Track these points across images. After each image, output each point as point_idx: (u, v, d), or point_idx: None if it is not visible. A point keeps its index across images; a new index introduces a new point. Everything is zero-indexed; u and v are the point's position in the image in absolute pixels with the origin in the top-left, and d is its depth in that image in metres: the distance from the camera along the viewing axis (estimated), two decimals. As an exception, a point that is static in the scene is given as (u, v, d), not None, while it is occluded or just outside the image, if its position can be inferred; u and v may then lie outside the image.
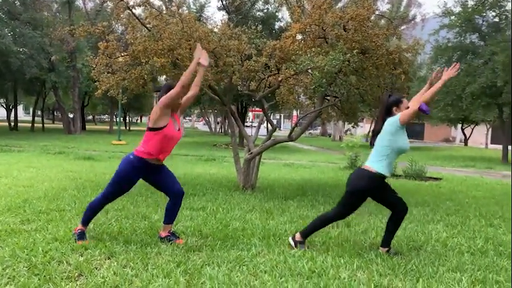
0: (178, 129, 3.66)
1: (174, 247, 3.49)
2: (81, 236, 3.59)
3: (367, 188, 3.51)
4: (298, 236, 3.72)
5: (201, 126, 62.73)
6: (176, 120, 3.67)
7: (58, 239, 3.57)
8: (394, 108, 3.56)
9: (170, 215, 3.74)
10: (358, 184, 3.53)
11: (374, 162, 3.52)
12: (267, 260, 3.32)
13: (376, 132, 3.63)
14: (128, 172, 3.52)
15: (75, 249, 3.36)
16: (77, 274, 2.89)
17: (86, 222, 3.67)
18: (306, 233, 3.72)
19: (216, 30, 6.85)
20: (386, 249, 3.65)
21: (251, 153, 6.83)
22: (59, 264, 3.04)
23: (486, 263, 3.47)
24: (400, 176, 9.96)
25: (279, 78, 6.20)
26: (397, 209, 3.67)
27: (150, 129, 3.51)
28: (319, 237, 4.06)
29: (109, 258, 3.22)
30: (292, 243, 3.72)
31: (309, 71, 6.02)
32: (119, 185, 3.57)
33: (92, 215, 3.68)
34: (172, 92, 3.45)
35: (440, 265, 3.38)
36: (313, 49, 5.91)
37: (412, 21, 32.58)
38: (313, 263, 3.26)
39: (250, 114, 37.55)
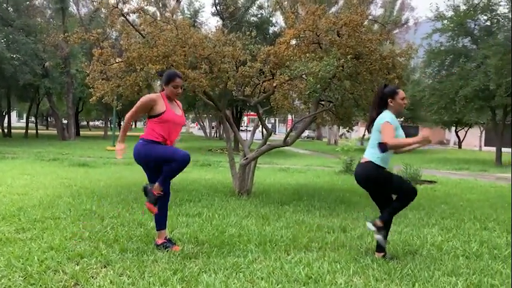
0: (180, 115, 3.72)
1: (170, 254, 3.49)
2: (156, 200, 3.56)
3: (376, 173, 3.53)
4: (379, 223, 3.61)
5: (196, 131, 62.66)
6: (177, 105, 3.74)
7: (54, 247, 3.55)
8: (390, 100, 3.57)
9: (159, 220, 3.74)
10: (370, 175, 3.55)
11: (370, 155, 3.57)
12: (264, 266, 3.32)
13: (371, 120, 3.65)
14: (150, 145, 3.51)
15: (71, 258, 3.34)
16: (73, 283, 2.88)
17: (164, 183, 3.59)
18: (385, 218, 3.64)
19: (210, 35, 6.88)
20: (382, 254, 3.67)
21: (246, 158, 6.84)
22: (54, 274, 3.03)
23: (481, 267, 3.49)
24: (395, 179, 9.98)
25: (274, 84, 6.23)
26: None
27: (150, 116, 3.58)
28: (316, 242, 4.07)
29: (105, 267, 3.21)
30: (373, 228, 3.60)
31: (303, 76, 6.05)
32: (163, 148, 3.51)
33: (170, 179, 3.64)
34: (134, 109, 3.56)
35: (435, 269, 3.40)
36: (307, 54, 5.95)
37: (405, 25, 32.85)
38: (309, 269, 3.27)
39: (245, 118, 37.59)
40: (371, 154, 3.56)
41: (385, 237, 3.72)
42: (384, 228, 3.61)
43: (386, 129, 3.39)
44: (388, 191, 3.69)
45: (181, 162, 3.48)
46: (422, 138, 3.29)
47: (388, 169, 3.65)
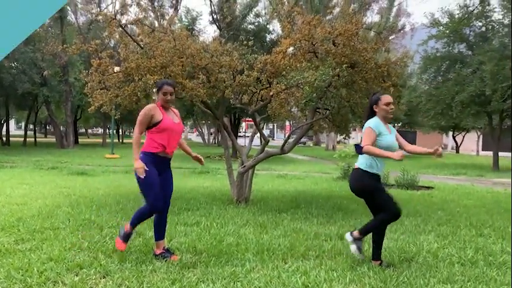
0: (178, 123, 3.78)
1: (168, 264, 3.52)
2: (127, 238, 3.71)
3: (367, 183, 3.61)
4: (356, 234, 3.74)
5: (194, 137, 62.68)
6: (175, 114, 3.82)
7: (53, 258, 3.59)
8: (374, 106, 3.71)
9: (158, 230, 3.80)
10: (360, 184, 3.66)
11: (360, 162, 3.69)
12: (261, 275, 3.36)
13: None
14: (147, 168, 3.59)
15: (70, 268, 3.38)
16: (72, 294, 2.91)
17: (134, 225, 3.73)
18: (363, 232, 3.75)
19: (207, 44, 6.95)
20: (379, 262, 3.71)
21: (244, 166, 6.88)
22: (54, 285, 3.06)
23: (476, 274, 3.54)
24: (392, 185, 10.05)
25: (271, 93, 6.29)
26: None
27: (148, 127, 3.67)
28: (313, 250, 4.11)
29: (104, 277, 3.25)
30: (350, 238, 3.75)
31: (300, 85, 6.12)
32: (150, 184, 3.59)
33: (139, 222, 3.74)
34: (138, 122, 3.66)
35: (431, 277, 3.44)
36: (303, 64, 6.02)
37: (402, 31, 33.04)
38: (306, 278, 3.31)
39: (243, 124, 37.70)
40: (360, 161, 3.68)
41: (380, 245, 3.76)
42: (360, 240, 3.73)
43: (366, 133, 3.58)
44: (375, 203, 3.72)
45: (149, 210, 3.65)
46: (397, 156, 3.37)
47: (380, 174, 3.69)
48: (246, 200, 6.87)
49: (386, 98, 3.69)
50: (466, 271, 3.61)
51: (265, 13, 21.09)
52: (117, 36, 6.45)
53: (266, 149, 7.24)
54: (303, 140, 47.14)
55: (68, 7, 25.56)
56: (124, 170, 12.49)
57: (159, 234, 3.79)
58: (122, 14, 6.26)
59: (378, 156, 3.52)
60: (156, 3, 23.03)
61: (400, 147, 3.76)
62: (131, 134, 66.56)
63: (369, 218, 5.26)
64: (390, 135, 3.66)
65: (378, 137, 3.57)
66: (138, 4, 6.58)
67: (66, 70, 24.50)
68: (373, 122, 3.62)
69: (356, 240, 3.74)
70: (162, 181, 3.73)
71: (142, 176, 3.52)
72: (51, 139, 36.71)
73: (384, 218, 3.68)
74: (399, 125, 29.83)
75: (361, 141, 3.75)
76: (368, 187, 3.64)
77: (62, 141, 26.60)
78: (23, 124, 40.43)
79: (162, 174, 3.72)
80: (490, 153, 20.92)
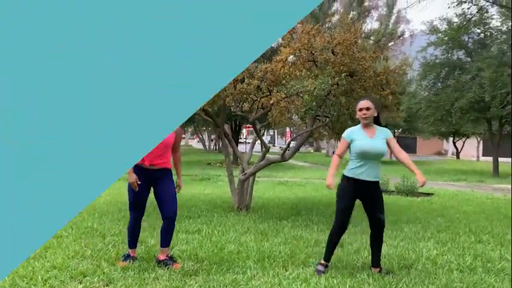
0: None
1: (171, 272, 3.57)
2: (126, 257, 3.87)
3: (340, 188, 3.74)
4: (323, 262, 3.83)
5: (195, 143, 62.77)
6: None
7: (57, 266, 3.64)
8: (355, 113, 3.82)
9: (164, 238, 3.86)
10: (338, 186, 3.79)
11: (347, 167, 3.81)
12: (262, 282, 3.40)
13: None
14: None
15: (74, 276, 3.43)
16: (76, 302, 2.96)
17: (130, 244, 3.94)
18: (325, 257, 3.87)
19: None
20: (378, 269, 3.76)
21: (245, 173, 6.94)
22: (58, 293, 3.11)
23: (474, 281, 3.58)
24: (392, 191, 10.10)
25: (271, 101, 6.36)
26: (371, 224, 3.84)
27: None
28: (313, 258, 4.15)
29: (107, 285, 3.30)
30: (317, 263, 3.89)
31: (300, 94, 6.19)
32: (132, 195, 3.82)
33: (132, 236, 3.92)
34: None
35: (430, 283, 3.48)
36: (303, 72, 6.10)
37: (401, 38, 33.21)
38: (307, 285, 3.36)
39: (244, 130, 37.78)
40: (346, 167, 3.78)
41: (379, 252, 3.82)
42: (326, 266, 3.79)
43: (340, 142, 3.80)
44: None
45: (132, 218, 3.91)
46: (326, 183, 3.64)
47: (364, 179, 3.65)
48: (246, 207, 6.92)
49: (359, 103, 3.73)
50: (464, 278, 3.65)
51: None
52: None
53: (267, 155, 7.31)
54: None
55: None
56: (125, 178, 12.48)
57: (165, 241, 3.85)
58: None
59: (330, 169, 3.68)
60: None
61: (392, 152, 3.79)
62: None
63: (367, 224, 5.33)
64: (369, 140, 3.62)
65: (351, 144, 3.67)
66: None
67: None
68: (348, 130, 3.75)
69: (321, 265, 3.80)
70: (159, 191, 3.84)
71: (135, 190, 3.75)
72: (52, 146, 36.79)
73: (332, 231, 3.83)
74: (399, 131, 29.93)
75: None
76: (337, 191, 3.77)
77: (63, 148, 26.68)
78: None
79: (155, 186, 3.84)
80: (491, 158, 20.95)
